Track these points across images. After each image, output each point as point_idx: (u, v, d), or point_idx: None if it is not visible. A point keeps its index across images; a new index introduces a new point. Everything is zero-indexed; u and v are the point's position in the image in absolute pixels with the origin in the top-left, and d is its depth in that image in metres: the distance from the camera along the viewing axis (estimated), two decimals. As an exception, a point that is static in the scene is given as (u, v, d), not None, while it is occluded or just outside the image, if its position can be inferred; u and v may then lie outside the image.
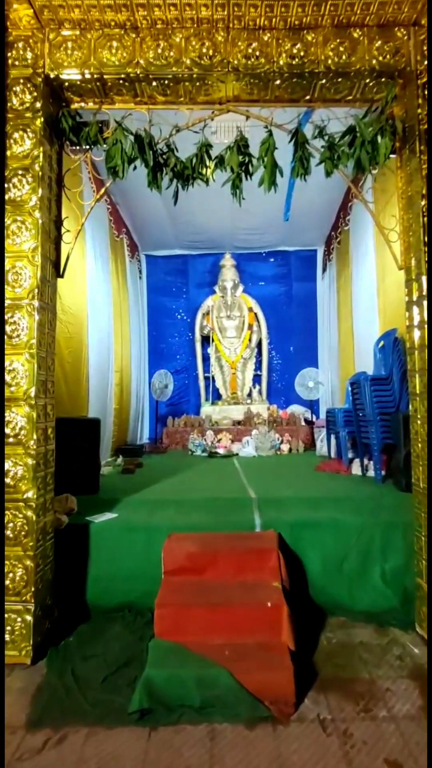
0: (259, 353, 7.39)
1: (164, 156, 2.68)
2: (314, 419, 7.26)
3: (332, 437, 5.14)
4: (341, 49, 2.40)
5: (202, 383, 7.35)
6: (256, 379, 7.41)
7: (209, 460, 5.50)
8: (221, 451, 5.91)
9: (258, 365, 7.47)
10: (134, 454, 5.68)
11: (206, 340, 7.27)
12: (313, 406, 7.05)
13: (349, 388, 5.09)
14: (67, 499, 3.05)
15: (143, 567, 2.71)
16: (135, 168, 2.69)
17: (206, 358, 7.38)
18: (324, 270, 7.49)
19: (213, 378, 7.21)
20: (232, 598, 2.30)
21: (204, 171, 2.73)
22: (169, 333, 7.78)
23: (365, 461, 4.08)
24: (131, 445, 6.00)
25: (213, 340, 7.07)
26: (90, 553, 2.77)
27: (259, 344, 7.33)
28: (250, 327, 7.16)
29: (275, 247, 7.69)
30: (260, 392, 7.11)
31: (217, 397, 7.36)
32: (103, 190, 2.87)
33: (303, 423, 6.73)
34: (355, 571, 2.74)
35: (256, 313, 7.29)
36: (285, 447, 6.00)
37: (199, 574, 2.51)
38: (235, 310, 7.11)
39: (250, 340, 7.18)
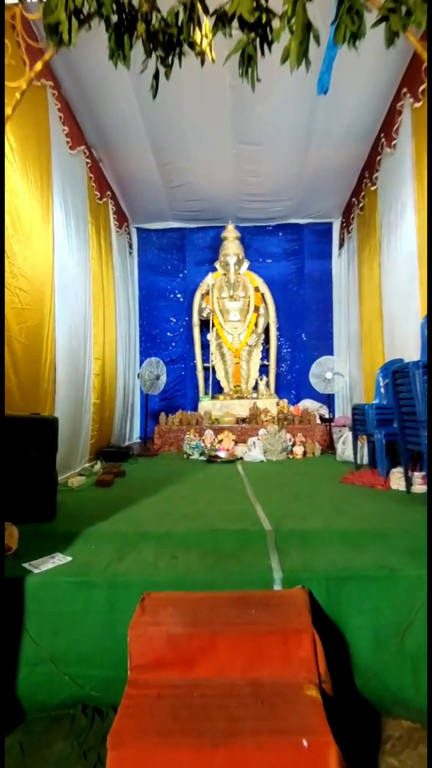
0: (266, 340, 6.43)
1: (134, 8, 1.71)
2: (330, 416, 6.30)
3: (359, 440, 4.19)
4: None
5: (200, 374, 6.39)
6: (263, 369, 6.45)
7: (208, 467, 4.56)
8: (222, 454, 4.96)
9: (265, 354, 6.51)
10: (118, 458, 4.74)
11: (206, 325, 6.31)
12: (329, 401, 6.09)
13: (381, 380, 4.14)
14: (4, 532, 2.10)
15: (104, 643, 1.79)
16: (90, 28, 1.72)
17: (205, 346, 6.42)
18: (341, 245, 6.52)
19: (213, 368, 6.26)
20: (239, 725, 1.36)
21: (197, 38, 1.75)
22: (164, 317, 6.81)
23: (410, 472, 3.13)
24: (115, 447, 5.06)
25: (213, 325, 6.11)
26: (25, 621, 1.83)
27: (267, 330, 6.37)
28: (257, 309, 6.19)
29: (285, 220, 6.70)
30: (267, 385, 6.15)
31: (217, 390, 6.41)
32: (39, 64, 1.89)
33: (318, 421, 5.77)
34: (424, 649, 1.80)
35: (263, 294, 6.32)
36: (298, 450, 5.05)
37: (187, 671, 1.56)
38: (239, 289, 6.14)
39: (256, 324, 6.22)
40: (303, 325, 6.76)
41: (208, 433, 5.18)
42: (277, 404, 5.94)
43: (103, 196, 5.13)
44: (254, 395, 5.98)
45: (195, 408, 6.23)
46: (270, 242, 6.80)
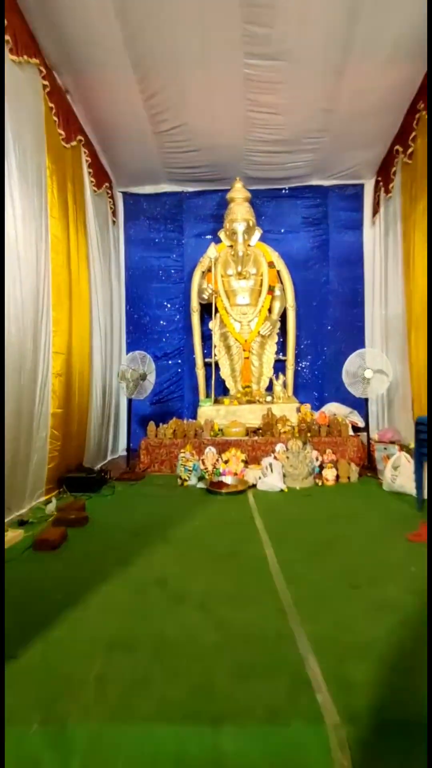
0: (283, 330, 5.15)
1: None
2: (364, 425, 5.05)
3: (423, 466, 2.94)
4: None
5: (200, 372, 5.14)
6: (279, 366, 5.19)
7: (208, 502, 3.32)
8: (229, 480, 3.73)
9: (281, 347, 5.24)
10: (87, 487, 3.53)
11: (207, 311, 5.06)
12: (366, 406, 4.81)
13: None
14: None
15: None
16: None
17: (207, 336, 5.17)
18: (375, 212, 5.22)
19: (217, 365, 5.01)
20: None
21: None
22: (156, 301, 5.55)
23: None
24: (86, 470, 3.83)
25: (217, 310, 4.85)
26: None
27: (283, 316, 5.09)
28: (271, 290, 4.92)
29: (305, 180, 5.41)
30: (284, 386, 4.88)
31: (222, 392, 5.17)
32: None
33: (351, 432, 4.52)
34: None
35: (279, 271, 5.04)
36: (329, 474, 3.79)
37: None
38: (249, 265, 4.87)
39: (270, 309, 4.95)
40: (327, 311, 5.48)
41: (210, 451, 3.94)
42: (298, 410, 4.68)
43: (71, 139, 3.87)
44: (269, 398, 4.73)
45: (194, 414, 5.00)
46: (286, 209, 5.51)
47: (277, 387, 4.76)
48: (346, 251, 5.48)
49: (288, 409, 4.65)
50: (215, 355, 4.96)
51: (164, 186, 5.49)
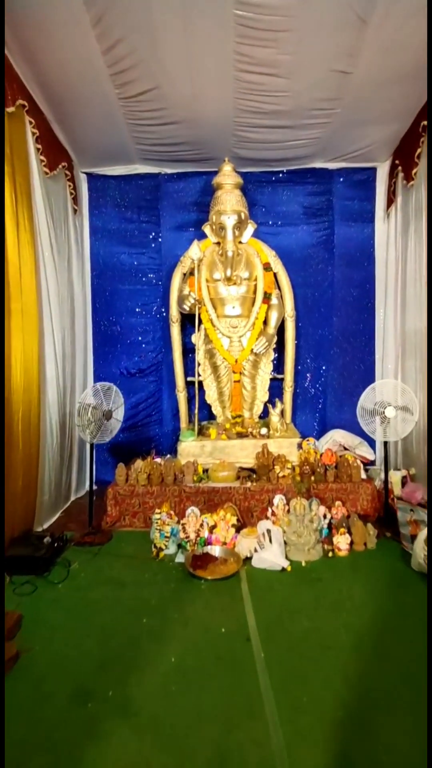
0: (279, 343, 4.30)
1: None
2: (372, 458, 4.31)
3: None
4: None
5: (181, 395, 4.28)
6: (275, 387, 4.36)
7: (188, 596, 2.51)
8: (217, 551, 2.94)
9: (277, 362, 4.40)
10: (34, 569, 2.69)
11: (190, 321, 4.18)
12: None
13: None
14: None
15: None
16: None
17: (190, 349, 4.31)
18: (391, 202, 4.36)
19: (201, 386, 4.16)
20: None
21: None
22: (128, 307, 4.64)
23: None
24: (34, 542, 2.97)
25: (201, 321, 3.98)
26: None
27: (281, 327, 4.23)
28: (267, 298, 4.04)
29: (306, 163, 4.50)
30: (282, 414, 4.06)
31: (208, 414, 4.33)
32: None
33: (363, 474, 3.75)
34: None
35: (276, 274, 4.16)
36: (342, 542, 3.01)
37: None
38: (240, 267, 3.98)
39: (266, 321, 4.08)
40: (331, 320, 4.65)
41: (192, 513, 3.11)
42: (300, 447, 3.88)
43: (8, 104, 2.91)
44: (263, 431, 3.91)
45: (174, 444, 4.17)
46: (284, 197, 4.60)
47: (274, 417, 3.93)
48: (354, 248, 4.62)
49: (287, 445, 3.84)
50: (199, 374, 4.10)
51: (137, 167, 4.52)
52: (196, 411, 3.94)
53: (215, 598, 2.48)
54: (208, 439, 3.87)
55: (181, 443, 3.85)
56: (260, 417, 4.25)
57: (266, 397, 4.20)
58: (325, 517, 3.24)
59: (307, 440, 3.94)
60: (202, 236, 4.14)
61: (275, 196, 4.60)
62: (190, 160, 4.37)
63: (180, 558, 2.94)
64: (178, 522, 3.11)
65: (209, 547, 2.97)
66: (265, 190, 4.59)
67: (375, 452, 4.44)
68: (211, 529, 3.06)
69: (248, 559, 2.90)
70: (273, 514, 3.30)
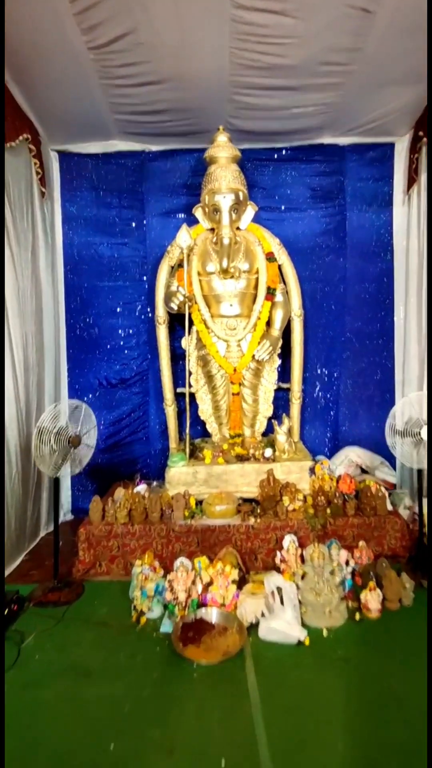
0: (285, 347, 3.65)
1: None
2: (393, 481, 3.70)
3: None
4: None
5: (170, 410, 3.63)
6: (280, 398, 3.72)
7: (175, 691, 1.86)
8: (213, 616, 2.29)
9: (284, 371, 3.75)
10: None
11: (179, 322, 3.53)
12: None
13: None
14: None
15: None
16: None
17: (180, 355, 3.66)
18: (412, 182, 3.73)
19: (194, 398, 3.51)
20: None
21: None
22: (108, 305, 3.99)
23: None
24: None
25: (192, 323, 3.34)
26: None
27: (287, 329, 3.58)
28: (271, 294, 3.40)
29: (313, 138, 3.87)
30: (289, 432, 3.41)
31: (203, 431, 3.70)
32: None
33: (389, 506, 3.11)
34: None
35: (281, 266, 3.52)
36: (372, 600, 2.37)
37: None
38: (239, 257, 3.33)
39: (269, 321, 3.44)
40: (344, 318, 4.02)
41: (182, 566, 2.46)
42: (312, 472, 3.24)
43: None
44: (267, 453, 3.26)
45: (163, 467, 3.51)
46: (288, 178, 3.96)
47: (280, 436, 3.29)
48: (369, 237, 3.99)
49: (297, 470, 3.20)
50: (191, 384, 3.45)
51: (117, 143, 3.87)
52: (188, 430, 3.29)
53: (211, 697, 1.83)
54: (201, 463, 3.23)
55: (170, 469, 3.20)
56: (263, 434, 3.61)
57: (270, 412, 3.57)
58: (347, 563, 2.61)
59: (321, 463, 3.30)
60: (193, 222, 3.50)
61: (278, 177, 3.96)
62: (178, 134, 3.72)
63: (167, 625, 2.29)
64: (165, 576, 2.46)
65: (204, 610, 2.32)
66: (266, 169, 3.95)
67: (395, 471, 3.82)
68: (207, 586, 2.41)
69: (254, 625, 2.26)
70: (283, 560, 2.67)
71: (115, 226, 3.96)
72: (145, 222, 3.95)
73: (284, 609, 2.22)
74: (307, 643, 2.14)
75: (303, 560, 2.65)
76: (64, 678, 1.95)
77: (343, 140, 3.92)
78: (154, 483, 3.40)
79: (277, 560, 2.70)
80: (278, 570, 2.66)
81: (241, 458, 3.26)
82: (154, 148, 3.92)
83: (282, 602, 2.25)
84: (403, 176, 3.92)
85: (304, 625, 2.25)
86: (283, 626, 2.16)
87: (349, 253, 3.99)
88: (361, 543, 2.74)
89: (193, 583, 2.36)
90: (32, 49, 2.78)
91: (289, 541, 2.70)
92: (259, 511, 3.00)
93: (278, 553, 2.71)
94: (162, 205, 3.94)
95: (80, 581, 2.77)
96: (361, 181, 3.97)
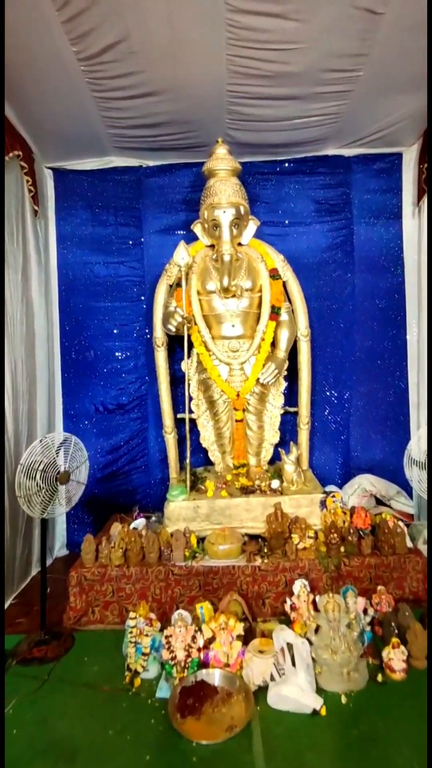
0: (292, 369, 3.42)
1: None
2: (412, 511, 3.43)
3: None
4: None
5: (170, 437, 3.40)
6: (287, 424, 3.48)
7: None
8: (215, 677, 2.02)
9: (290, 394, 3.52)
10: None
11: (178, 343, 3.33)
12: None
13: None
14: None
15: None
16: None
17: (180, 379, 3.45)
18: (423, 193, 3.54)
19: (194, 424, 3.29)
20: None
21: None
22: (104, 328, 3.80)
23: None
24: None
25: (191, 345, 3.13)
26: None
27: (293, 349, 3.36)
28: (276, 313, 3.19)
29: (317, 150, 3.71)
30: (297, 461, 3.16)
31: (205, 459, 3.47)
32: None
33: (409, 542, 2.84)
34: None
35: (286, 282, 3.32)
36: (396, 660, 2.10)
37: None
38: (241, 275, 3.13)
39: (274, 342, 3.22)
40: (353, 337, 3.80)
41: (180, 619, 2.20)
42: (323, 505, 2.98)
43: None
44: (275, 484, 3.01)
45: (163, 498, 3.26)
46: (291, 191, 3.78)
47: (288, 466, 3.04)
48: (378, 251, 3.79)
49: (307, 503, 2.94)
50: (191, 410, 3.24)
51: (113, 159, 3.74)
52: (188, 460, 3.06)
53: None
54: (203, 497, 2.98)
55: (169, 504, 2.95)
56: (269, 462, 3.37)
57: (276, 438, 3.33)
58: (365, 612, 2.34)
59: (332, 495, 3.04)
60: (193, 239, 3.32)
61: (281, 191, 3.79)
62: (175, 149, 3.58)
63: (164, 689, 2.03)
64: (162, 630, 2.20)
65: (205, 672, 2.06)
66: (268, 183, 3.78)
67: (413, 501, 3.55)
68: (209, 642, 2.15)
69: (262, 689, 2.00)
70: (293, 608, 2.40)
71: (111, 245, 3.79)
72: (142, 240, 3.78)
73: (296, 671, 1.96)
74: (323, 713, 1.87)
75: (316, 606, 2.39)
76: (44, 761, 1.69)
77: (348, 152, 3.75)
78: (153, 518, 3.16)
79: (287, 607, 2.44)
80: (288, 619, 2.39)
81: (246, 490, 3.01)
82: (151, 163, 3.77)
83: (293, 663, 1.99)
84: (412, 187, 3.73)
85: (319, 689, 1.98)
86: (295, 693, 1.90)
87: (357, 269, 3.79)
88: (380, 588, 2.48)
89: (194, 639, 2.10)
90: (21, 62, 2.63)
91: (299, 586, 2.44)
92: (266, 549, 2.74)
93: (288, 599, 2.45)
94: (160, 222, 3.78)
95: (70, 631, 2.52)
96: (368, 193, 3.78)
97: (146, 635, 2.15)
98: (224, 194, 3.00)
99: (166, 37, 2.48)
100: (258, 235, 3.36)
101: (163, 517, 3.02)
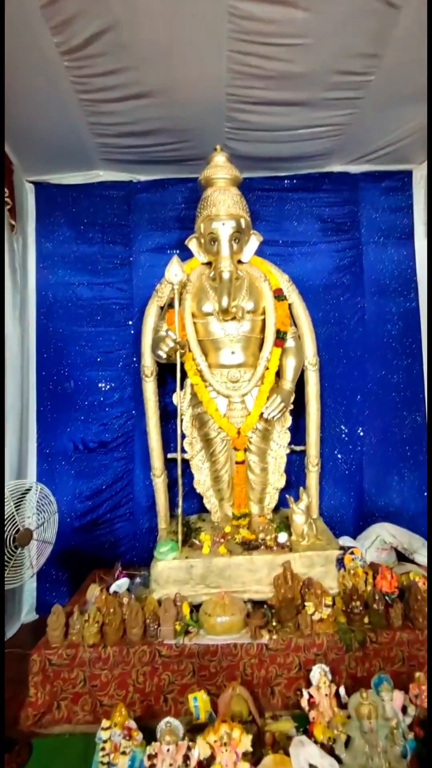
0: (298, 401, 3.01)
1: None
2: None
3: None
4: None
5: (159, 482, 2.95)
6: (291, 464, 3.05)
7: None
8: None
9: (296, 432, 3.09)
10: None
11: (170, 372, 2.92)
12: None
13: None
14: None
15: None
16: None
17: (171, 414, 3.03)
18: (435, 210, 3.27)
19: (187, 466, 2.85)
20: None
21: None
22: (87, 356, 3.39)
23: None
24: None
25: (185, 375, 2.73)
26: None
27: (300, 379, 2.96)
28: (281, 338, 2.80)
29: (322, 166, 3.45)
30: (306, 509, 2.70)
31: (199, 505, 3.01)
32: None
33: (446, 612, 2.36)
34: None
35: (291, 305, 2.96)
36: (453, 785, 1.61)
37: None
38: (241, 294, 2.76)
39: (280, 371, 2.83)
40: (364, 366, 3.43)
41: (167, 731, 1.69)
42: (341, 564, 2.51)
43: None
44: (282, 538, 2.54)
45: (153, 543, 2.77)
46: (295, 210, 3.49)
47: (298, 517, 2.58)
48: (389, 273, 3.48)
49: (321, 561, 2.47)
50: (184, 450, 2.80)
51: (101, 173, 3.43)
52: (180, 510, 2.59)
53: None
54: (198, 553, 2.50)
55: (157, 563, 2.46)
56: (274, 511, 2.91)
57: (282, 483, 2.89)
58: (404, 711, 1.84)
59: (351, 551, 2.58)
60: (187, 256, 2.97)
61: (283, 208, 3.49)
62: (168, 162, 3.28)
63: None
64: (146, 743, 1.69)
65: (202, 806, 1.54)
66: (269, 200, 3.49)
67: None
68: (206, 764, 1.63)
69: None
70: (312, 703, 1.90)
71: (97, 264, 3.44)
72: (131, 259, 3.44)
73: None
74: None
75: (339, 700, 1.90)
76: None
77: (355, 168, 3.49)
78: (138, 579, 2.65)
79: (304, 702, 1.94)
80: (304, 715, 1.89)
81: (249, 546, 2.54)
82: (143, 178, 3.47)
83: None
84: (423, 206, 3.46)
85: None
86: None
87: (366, 292, 3.46)
88: (418, 675, 1.99)
89: (186, 760, 1.59)
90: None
91: (318, 674, 1.95)
92: (274, 622, 2.25)
93: (304, 691, 1.95)
94: (151, 241, 3.44)
95: (27, 737, 1.98)
96: (377, 212, 3.50)
97: (123, 752, 1.64)
98: (223, 205, 2.67)
99: (158, 29, 2.19)
100: (259, 254, 3.03)
101: (150, 577, 2.52)
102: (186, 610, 2.27)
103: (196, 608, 2.35)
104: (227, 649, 2.14)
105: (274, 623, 2.23)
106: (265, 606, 2.35)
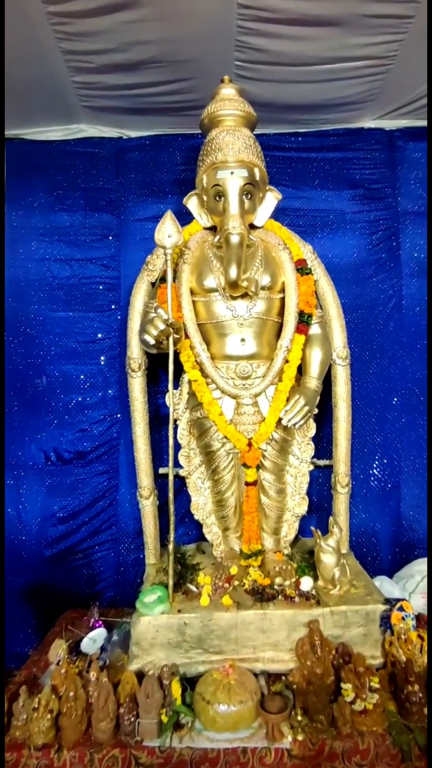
0: (322, 404, 2.38)
1: None
2: None
3: None
4: None
5: (147, 504, 2.32)
6: (313, 483, 2.42)
7: None
8: None
9: (317, 443, 2.47)
10: None
11: (162, 365, 2.31)
12: None
13: None
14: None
15: None
16: None
17: (163, 419, 2.41)
18: None
19: (185, 484, 2.22)
20: None
21: None
22: (63, 347, 2.78)
23: None
24: None
25: (180, 369, 2.11)
26: None
27: (327, 375, 2.34)
28: (305, 323, 2.18)
29: (351, 121, 2.84)
30: (337, 545, 2.06)
31: (196, 536, 2.38)
32: None
33: None
34: None
35: (317, 282, 2.34)
36: None
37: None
38: (254, 266, 2.14)
39: (304, 364, 2.20)
40: (400, 362, 2.80)
41: None
42: (387, 624, 1.87)
43: None
44: (305, 584, 1.91)
45: (139, 579, 2.15)
46: (317, 175, 2.88)
47: (327, 557, 1.95)
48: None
49: (359, 619, 1.83)
50: (179, 461, 2.18)
51: (83, 127, 2.84)
52: (171, 547, 1.96)
53: None
54: (194, 605, 1.87)
55: (140, 620, 1.83)
56: (290, 543, 2.28)
57: (304, 508, 2.26)
58: None
59: (400, 606, 1.94)
60: (188, 221, 2.36)
61: (303, 172, 2.88)
62: (164, 111, 2.68)
63: None
64: None
65: None
66: (286, 162, 2.88)
67: None
68: None
69: None
70: None
71: (78, 236, 2.83)
72: (119, 231, 2.83)
73: None
74: None
75: None
76: None
77: (390, 123, 2.89)
78: (114, 636, 2.02)
79: None
80: None
81: (262, 596, 1.91)
82: (134, 134, 2.88)
83: None
84: None
85: None
86: None
87: (405, 272, 2.84)
88: None
89: None
90: None
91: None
92: (299, 713, 1.61)
93: None
94: (144, 209, 2.84)
95: None
96: (418, 177, 2.88)
97: None
98: (231, 149, 2.05)
99: None
100: (280, 210, 2.42)
101: (130, 637, 1.89)
102: (176, 690, 1.64)
103: (190, 684, 1.73)
104: (233, 756, 1.51)
105: (299, 716, 1.59)
106: (284, 685, 1.72)
